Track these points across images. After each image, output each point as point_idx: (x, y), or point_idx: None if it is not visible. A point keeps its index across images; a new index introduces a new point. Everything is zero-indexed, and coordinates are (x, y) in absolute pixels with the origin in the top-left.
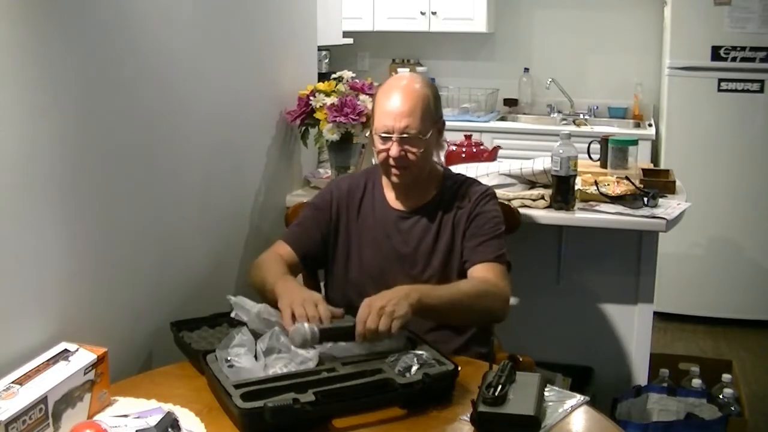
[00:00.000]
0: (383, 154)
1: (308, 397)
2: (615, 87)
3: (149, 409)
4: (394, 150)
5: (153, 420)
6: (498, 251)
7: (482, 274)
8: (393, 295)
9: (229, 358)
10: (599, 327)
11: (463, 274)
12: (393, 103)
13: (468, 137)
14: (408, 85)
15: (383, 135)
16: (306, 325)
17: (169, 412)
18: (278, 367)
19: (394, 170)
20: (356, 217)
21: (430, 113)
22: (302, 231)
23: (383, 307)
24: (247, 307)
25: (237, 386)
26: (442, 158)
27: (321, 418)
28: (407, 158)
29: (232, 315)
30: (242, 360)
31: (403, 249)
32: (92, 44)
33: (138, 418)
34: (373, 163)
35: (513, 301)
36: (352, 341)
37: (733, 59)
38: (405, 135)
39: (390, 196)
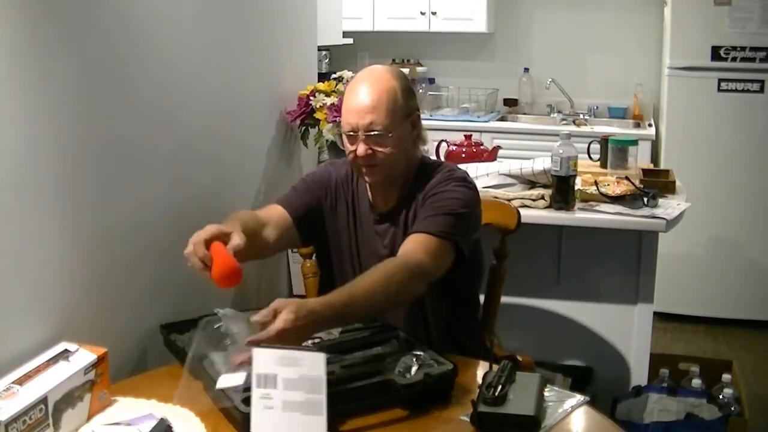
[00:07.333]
0: (352, 154)
1: None
2: (615, 87)
3: (141, 415)
4: (361, 149)
5: (145, 427)
6: (440, 227)
7: (408, 246)
8: (292, 328)
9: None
10: (599, 327)
11: None
12: (356, 98)
13: (468, 137)
14: (372, 78)
15: (349, 134)
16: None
17: (162, 418)
18: None
19: (363, 169)
20: (345, 210)
21: (398, 107)
22: (297, 194)
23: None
24: (235, 317)
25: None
26: (427, 150)
27: None
28: (375, 156)
29: (223, 330)
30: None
31: (382, 252)
32: (92, 45)
33: (129, 425)
34: None
35: (513, 300)
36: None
37: (733, 59)
38: (370, 132)
39: (370, 194)
